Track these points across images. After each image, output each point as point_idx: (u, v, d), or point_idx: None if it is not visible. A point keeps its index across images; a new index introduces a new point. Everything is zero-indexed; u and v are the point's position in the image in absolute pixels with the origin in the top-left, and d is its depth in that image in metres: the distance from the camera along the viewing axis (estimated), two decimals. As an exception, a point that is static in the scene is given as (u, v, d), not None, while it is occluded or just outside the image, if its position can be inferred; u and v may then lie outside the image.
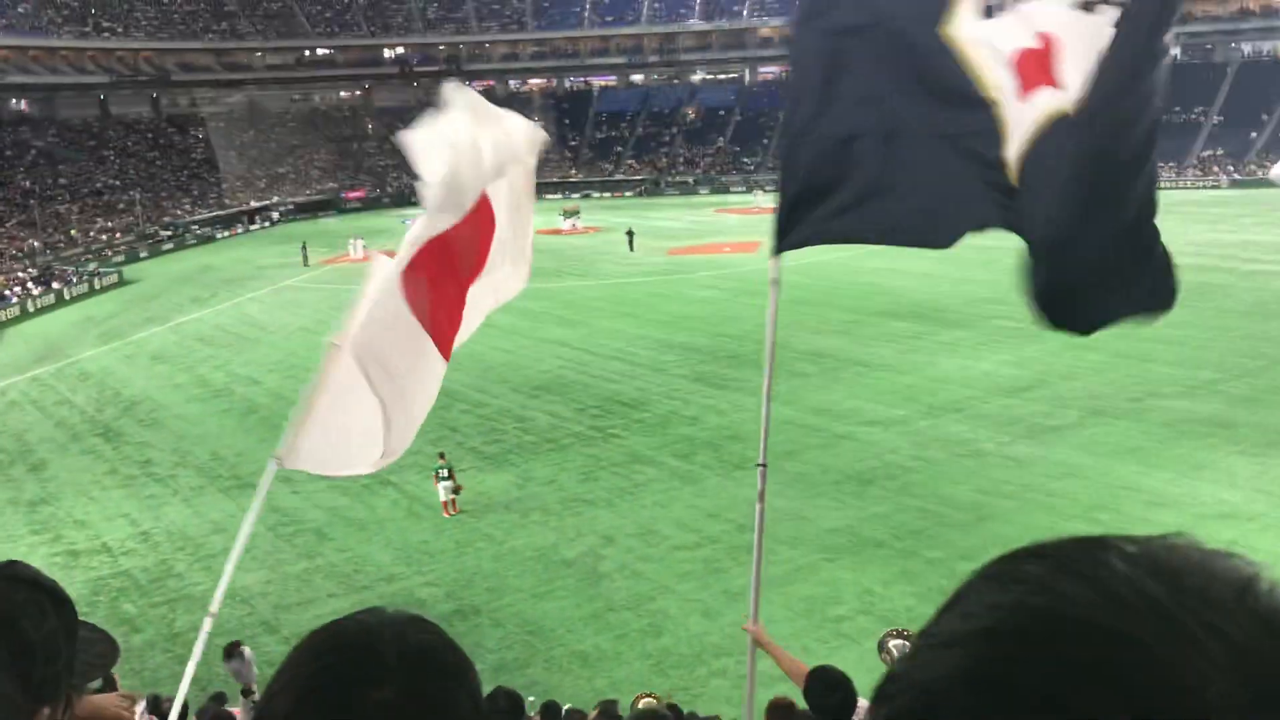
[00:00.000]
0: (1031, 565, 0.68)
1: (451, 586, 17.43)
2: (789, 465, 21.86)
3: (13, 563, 1.60)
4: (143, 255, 63.46)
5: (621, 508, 20.36)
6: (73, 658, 1.57)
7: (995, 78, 4.14)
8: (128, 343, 38.16)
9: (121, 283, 54.05)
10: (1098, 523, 18.17)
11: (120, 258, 60.88)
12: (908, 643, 4.97)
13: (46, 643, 1.49)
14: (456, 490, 20.50)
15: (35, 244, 58.82)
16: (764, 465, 5.63)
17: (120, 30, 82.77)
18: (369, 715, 1.07)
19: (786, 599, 16.15)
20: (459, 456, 22.74)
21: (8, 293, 48.28)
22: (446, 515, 20.30)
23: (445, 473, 20.40)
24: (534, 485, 21.88)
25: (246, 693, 4.84)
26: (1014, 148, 4.09)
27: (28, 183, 67.76)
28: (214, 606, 5.05)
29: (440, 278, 5.41)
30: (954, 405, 25.36)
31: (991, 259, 46.95)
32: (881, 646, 5.18)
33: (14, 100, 78.54)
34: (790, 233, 4.87)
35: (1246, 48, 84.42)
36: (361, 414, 5.19)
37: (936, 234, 4.67)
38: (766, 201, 73.83)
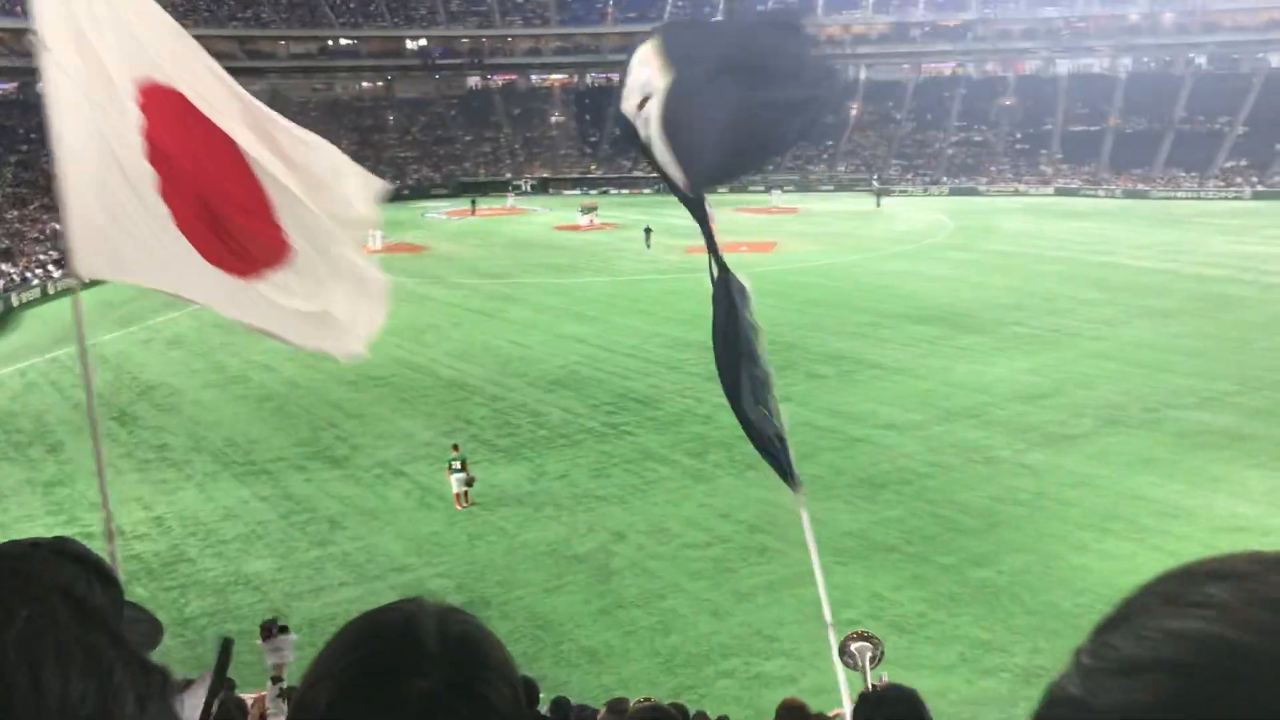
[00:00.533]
0: (1214, 588, 0.63)
1: (462, 578, 17.49)
2: (803, 467, 21.68)
3: (63, 539, 1.61)
4: (163, 241, 63.79)
5: (633, 504, 20.38)
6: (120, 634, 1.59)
7: None
8: (145, 327, 38.37)
9: (141, 267, 54.31)
10: (1110, 532, 18.11)
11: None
12: (869, 644, 4.95)
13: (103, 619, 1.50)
14: (469, 482, 20.55)
15: (57, 227, 59.18)
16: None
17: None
18: (411, 705, 1.06)
19: (797, 601, 16.13)
20: (473, 449, 22.80)
21: (29, 275, 48.58)
22: (459, 507, 20.35)
23: (458, 464, 20.46)
24: (547, 480, 21.92)
25: (276, 679, 4.79)
26: None
27: (51, 166, 68.16)
28: None
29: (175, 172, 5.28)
30: (969, 411, 25.28)
31: (1011, 264, 46.92)
32: (843, 650, 5.09)
33: (39, 84, 78.92)
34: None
35: (1274, 59, 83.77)
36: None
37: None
38: (784, 201, 73.75)
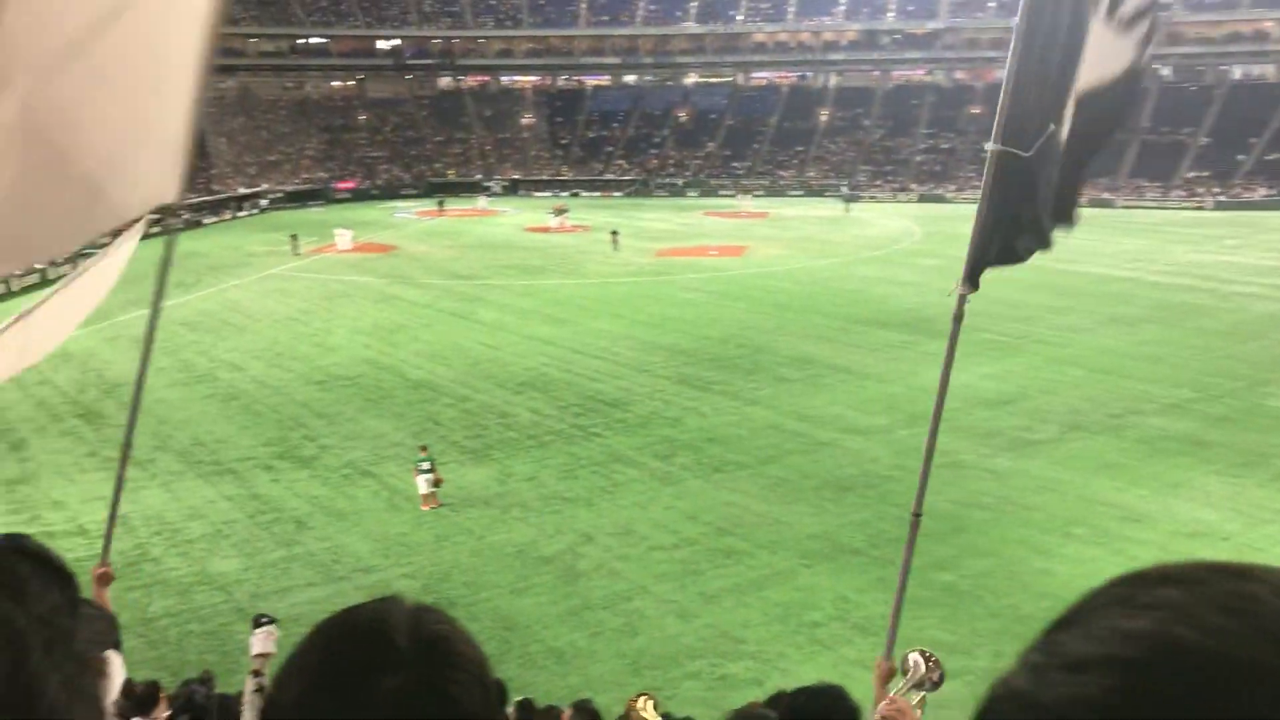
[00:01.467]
0: (1167, 591, 0.64)
1: (429, 579, 17.45)
2: (770, 470, 21.98)
3: (19, 536, 1.63)
4: (128, 238, 63.17)
5: (601, 506, 20.41)
6: (74, 634, 1.60)
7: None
8: (111, 324, 37.96)
9: (106, 265, 53.80)
10: (1072, 537, 18.33)
11: (105, 240, 60.52)
12: (922, 658, 4.82)
13: (53, 616, 1.52)
14: (437, 483, 20.52)
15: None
16: (918, 516, 5.32)
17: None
18: (380, 702, 1.06)
19: (763, 603, 16.25)
20: (441, 450, 22.76)
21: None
22: (425, 508, 20.31)
23: (426, 465, 20.42)
24: (515, 481, 21.91)
25: (256, 673, 4.81)
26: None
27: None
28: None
29: None
30: (935, 416, 25.49)
31: (977, 272, 47.17)
32: (904, 659, 4.96)
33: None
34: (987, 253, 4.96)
35: (1237, 71, 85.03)
36: None
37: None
38: (753, 206, 74.07)
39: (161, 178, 4.56)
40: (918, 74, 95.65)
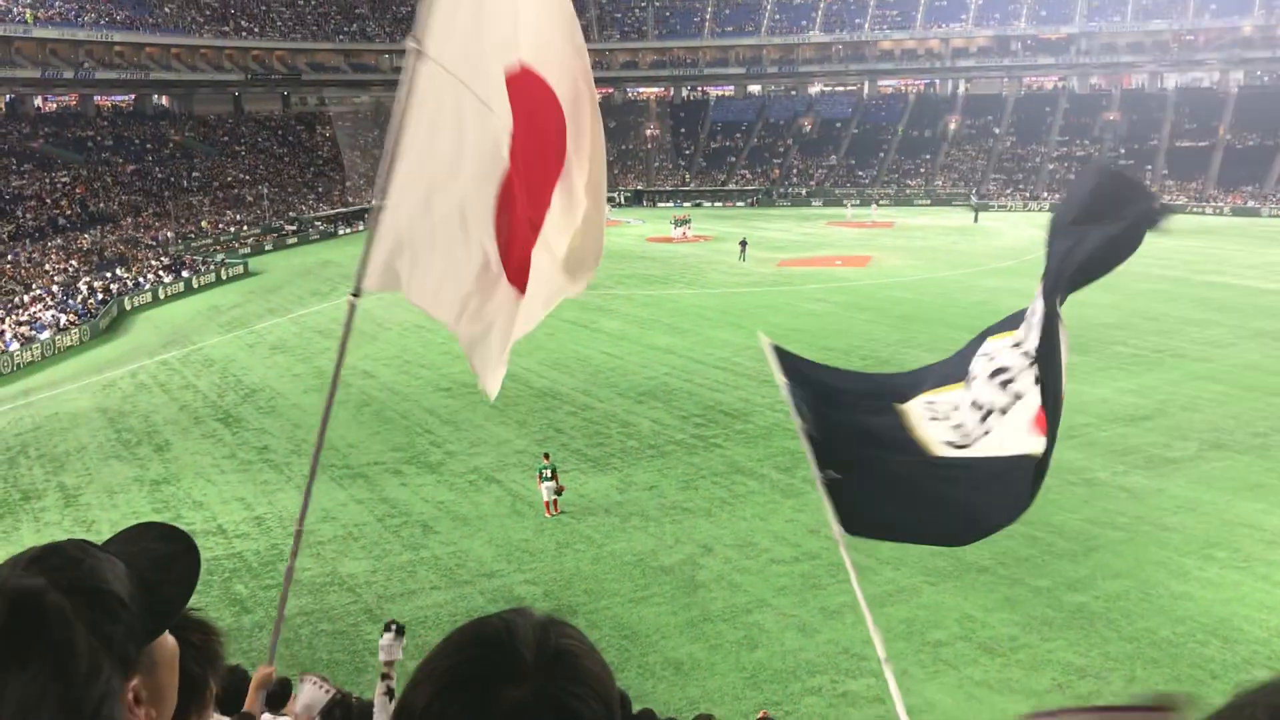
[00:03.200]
0: None
1: (550, 585, 17.65)
2: (893, 484, 21.59)
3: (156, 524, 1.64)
4: (267, 248, 65.62)
5: (721, 518, 20.36)
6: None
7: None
8: (250, 332, 39.54)
9: (247, 274, 56.01)
10: (1213, 560, 17.54)
11: (246, 250, 63.07)
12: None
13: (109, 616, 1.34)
14: (559, 491, 20.75)
15: (169, 234, 61.30)
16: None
17: (256, 30, 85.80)
18: (502, 712, 1.11)
19: (886, 620, 15.95)
20: (563, 458, 23.02)
21: (141, 279, 50.44)
22: (548, 515, 20.57)
23: (549, 473, 20.67)
24: (635, 490, 22.02)
25: (385, 676, 4.95)
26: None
27: (164, 175, 70.69)
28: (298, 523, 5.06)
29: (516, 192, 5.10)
30: (1068, 431, 24.69)
31: (1114, 282, 45.55)
32: None
33: (155, 96, 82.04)
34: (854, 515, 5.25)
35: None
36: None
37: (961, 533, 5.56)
38: (880, 215, 72.98)
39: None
40: (1050, 80, 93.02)
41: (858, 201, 78.67)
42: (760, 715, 11.34)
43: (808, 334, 35.98)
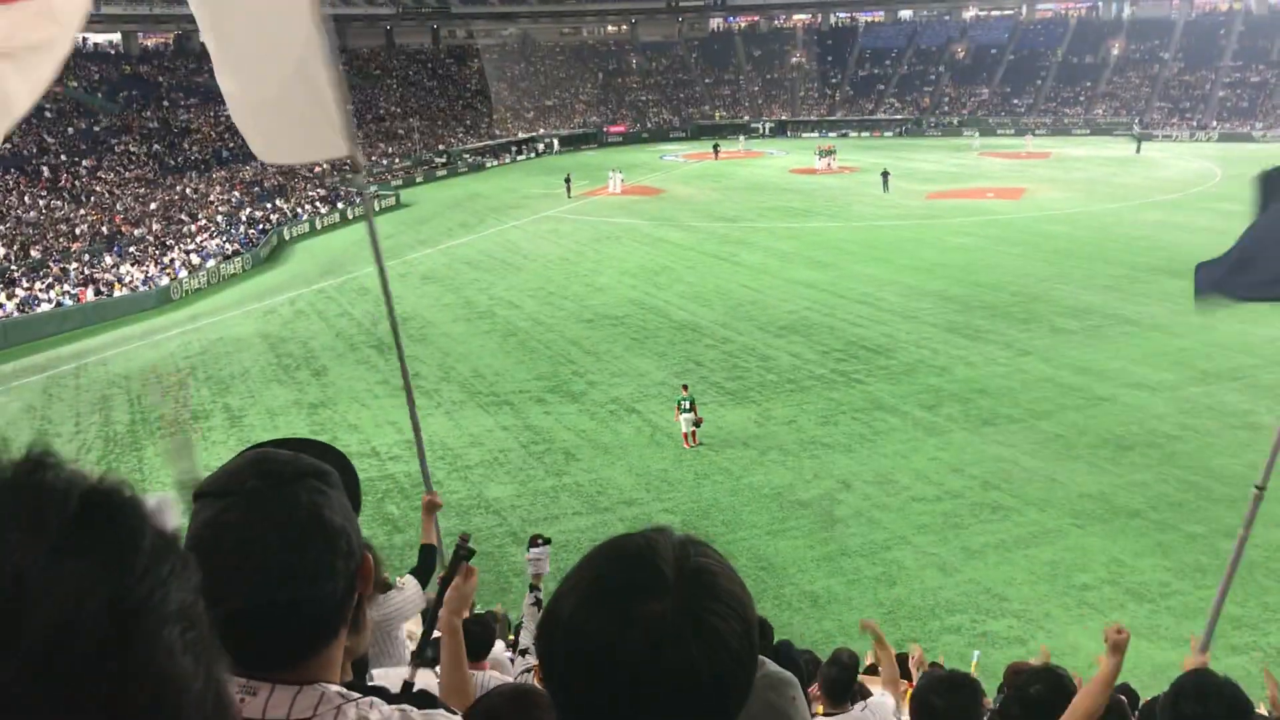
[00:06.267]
0: None
1: (688, 515, 17.87)
2: (1043, 424, 21.03)
3: (268, 456, 1.72)
4: (418, 180, 67.08)
5: (860, 454, 20.20)
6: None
7: None
8: (401, 262, 40.66)
9: (398, 205, 57.46)
10: (1390, 513, 16.58)
11: (398, 181, 64.59)
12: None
13: (345, 513, 1.69)
14: (697, 423, 20.89)
15: (324, 166, 63.27)
16: (1262, 489, 5.75)
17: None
18: (643, 625, 1.15)
19: (1029, 562, 15.68)
20: (701, 391, 23.13)
21: (300, 210, 52.32)
22: (686, 446, 20.75)
23: (688, 404, 20.81)
24: (773, 424, 22.00)
25: (534, 587, 5.24)
26: None
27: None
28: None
29: None
30: (1231, 373, 23.57)
31: (1289, 217, 42.94)
32: None
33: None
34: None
35: None
36: None
37: None
38: (1036, 145, 70.08)
39: (327, 130, 5.95)
40: (1224, 0, 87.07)
41: (975, 133, 75.70)
42: (912, 648, 11.31)
43: (955, 269, 35.05)
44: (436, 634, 3.43)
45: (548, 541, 5.25)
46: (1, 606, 0.67)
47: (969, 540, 16.47)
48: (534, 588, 5.21)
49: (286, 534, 1.56)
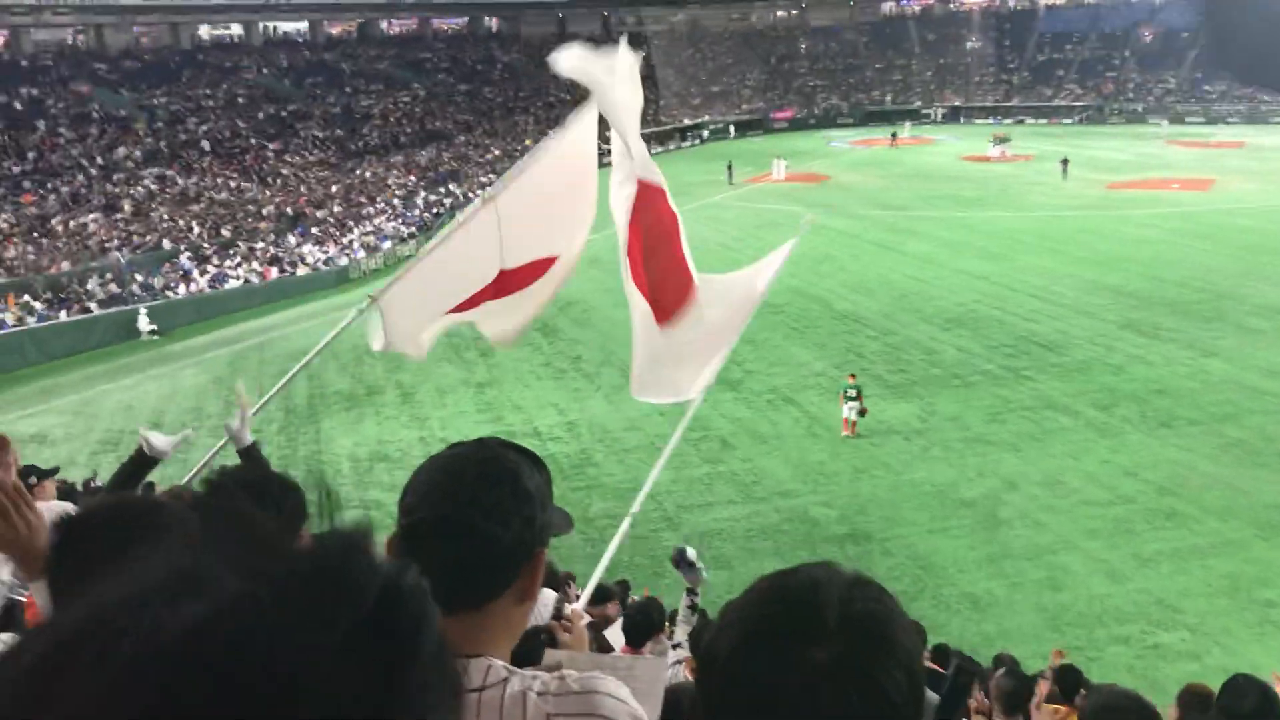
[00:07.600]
0: None
1: (845, 510, 17.66)
2: (1227, 429, 19.93)
3: (489, 438, 2.02)
4: (583, 167, 68.04)
5: (1028, 453, 19.54)
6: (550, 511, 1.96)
7: None
8: (566, 247, 41.34)
9: (564, 191, 58.35)
10: None
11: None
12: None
13: (539, 492, 1.89)
14: (861, 413, 20.61)
15: (496, 151, 64.84)
16: None
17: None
18: (803, 672, 1.11)
19: (1207, 573, 14.91)
20: (863, 383, 22.71)
21: (473, 194, 53.78)
22: (844, 433, 20.50)
23: (854, 393, 20.57)
24: (937, 420, 21.50)
25: (691, 591, 5.35)
26: None
27: (493, 95, 74.56)
28: (635, 507, 5.55)
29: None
30: None
31: None
32: None
33: (486, 19, 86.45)
34: None
35: None
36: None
37: None
38: (1228, 134, 66.16)
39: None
40: None
41: (1164, 123, 71.58)
42: (1055, 653, 10.98)
43: (1136, 263, 33.45)
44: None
45: (692, 564, 5.35)
46: (269, 711, 0.61)
47: (1141, 548, 15.75)
48: (690, 591, 5.30)
49: (483, 469, 1.84)
